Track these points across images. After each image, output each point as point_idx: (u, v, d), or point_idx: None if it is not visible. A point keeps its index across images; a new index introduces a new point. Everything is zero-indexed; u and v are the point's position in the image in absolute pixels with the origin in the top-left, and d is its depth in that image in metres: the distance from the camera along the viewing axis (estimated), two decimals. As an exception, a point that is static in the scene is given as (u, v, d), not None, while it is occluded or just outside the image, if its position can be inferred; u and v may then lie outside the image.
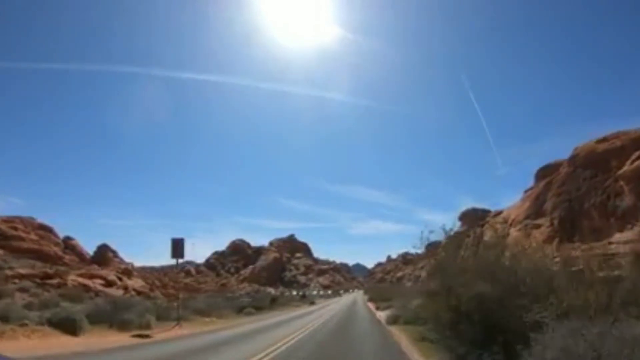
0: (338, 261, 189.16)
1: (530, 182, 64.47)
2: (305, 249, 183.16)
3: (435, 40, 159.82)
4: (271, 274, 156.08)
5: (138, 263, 78.27)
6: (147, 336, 15.28)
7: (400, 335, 15.08)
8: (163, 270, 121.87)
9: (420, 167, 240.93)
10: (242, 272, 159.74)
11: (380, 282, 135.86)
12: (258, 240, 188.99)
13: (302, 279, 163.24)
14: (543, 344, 5.90)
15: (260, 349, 11.68)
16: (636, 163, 41.30)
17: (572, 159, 53.03)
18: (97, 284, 39.74)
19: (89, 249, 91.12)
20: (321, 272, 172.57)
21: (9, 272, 35.98)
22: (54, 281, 35.99)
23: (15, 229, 68.61)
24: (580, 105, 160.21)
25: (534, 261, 8.35)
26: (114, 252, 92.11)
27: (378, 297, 47.84)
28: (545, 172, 60.35)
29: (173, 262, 23.13)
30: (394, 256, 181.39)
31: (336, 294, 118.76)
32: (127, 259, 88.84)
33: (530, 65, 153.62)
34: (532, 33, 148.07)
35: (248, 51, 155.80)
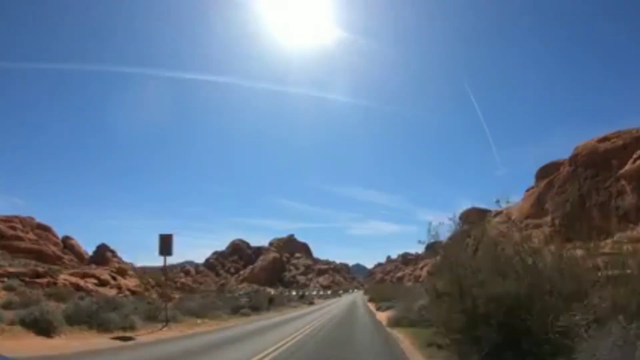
0: (338, 261, 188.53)
1: (530, 182, 63.84)
2: (305, 249, 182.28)
3: (435, 40, 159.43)
4: (271, 274, 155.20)
5: (138, 263, 77.41)
6: (129, 338, 14.20)
7: (404, 340, 13.76)
8: (163, 270, 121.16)
9: (420, 168, 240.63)
10: (242, 272, 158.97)
11: (380, 282, 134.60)
12: (258, 240, 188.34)
13: (302, 279, 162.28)
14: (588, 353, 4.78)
15: (246, 356, 10.59)
16: (638, 162, 40.62)
17: (573, 158, 52.41)
18: (89, 283, 38.74)
19: (91, 249, 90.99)
20: (321, 272, 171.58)
21: (-4, 270, 35.01)
22: (44, 280, 34.94)
23: (14, 228, 68.03)
24: (580, 105, 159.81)
25: (559, 258, 7.21)
26: (112, 251, 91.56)
27: (378, 298, 46.94)
28: (546, 172, 59.73)
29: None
30: (393, 256, 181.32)
31: (335, 294, 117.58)
32: (127, 259, 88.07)
33: (530, 65, 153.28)
34: (532, 33, 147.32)
35: (248, 51, 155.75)
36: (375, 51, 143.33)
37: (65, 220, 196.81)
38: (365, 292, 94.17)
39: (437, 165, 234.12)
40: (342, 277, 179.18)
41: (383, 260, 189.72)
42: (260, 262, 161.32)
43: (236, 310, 30.55)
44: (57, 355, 10.47)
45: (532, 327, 6.16)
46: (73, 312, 15.21)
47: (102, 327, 15.13)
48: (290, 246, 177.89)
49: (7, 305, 17.47)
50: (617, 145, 46.67)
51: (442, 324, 9.10)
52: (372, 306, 42.89)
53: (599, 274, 6.96)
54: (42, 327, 13.14)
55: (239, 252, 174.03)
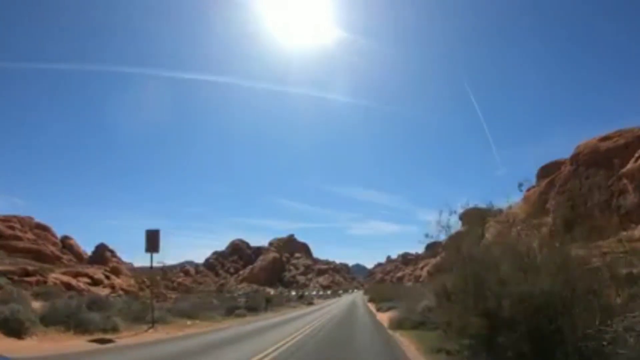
0: (338, 261, 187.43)
1: (531, 182, 63.14)
2: (304, 249, 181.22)
3: (435, 40, 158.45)
4: (270, 274, 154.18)
5: (138, 263, 76.48)
6: (108, 341, 13.08)
7: (409, 345, 12.44)
8: (163, 270, 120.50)
9: (420, 168, 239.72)
10: (242, 272, 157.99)
11: (380, 282, 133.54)
12: (258, 240, 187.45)
13: (302, 279, 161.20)
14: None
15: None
16: (640, 161, 39.82)
17: (574, 157, 51.76)
18: (81, 282, 37.68)
19: (91, 249, 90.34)
20: (321, 272, 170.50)
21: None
22: (33, 279, 33.84)
23: (13, 228, 67.37)
24: (580, 105, 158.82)
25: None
26: (112, 251, 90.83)
27: (378, 298, 45.95)
28: (547, 171, 58.96)
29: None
30: (393, 256, 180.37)
31: (335, 294, 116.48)
32: (127, 259, 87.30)
33: (530, 65, 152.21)
34: (532, 33, 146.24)
35: (248, 51, 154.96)
36: (375, 51, 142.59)
37: (65, 220, 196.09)
38: (365, 292, 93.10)
39: (437, 165, 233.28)
40: (342, 277, 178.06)
41: (383, 260, 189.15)
42: (260, 262, 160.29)
43: (231, 311, 29.42)
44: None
45: (567, 334, 5.02)
46: (49, 312, 14.10)
47: (81, 328, 14.03)
48: (290, 246, 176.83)
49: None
50: (618, 144, 46.34)
51: (452, 327, 7.91)
52: (372, 306, 41.81)
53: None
54: (13, 328, 12.07)
55: (239, 252, 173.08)
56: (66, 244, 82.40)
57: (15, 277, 33.33)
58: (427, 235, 10.98)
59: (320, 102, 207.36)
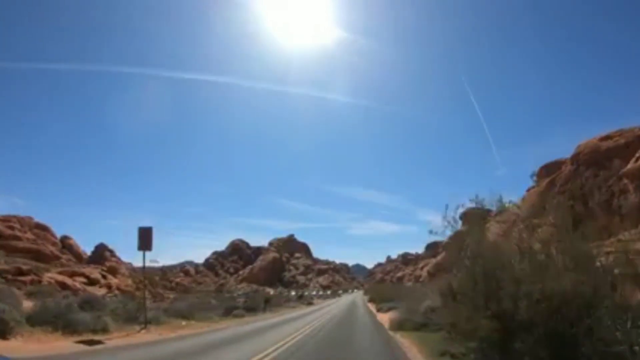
0: (338, 261, 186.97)
1: (531, 182, 62.82)
2: (304, 249, 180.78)
3: (435, 40, 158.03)
4: (270, 274, 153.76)
5: (137, 263, 75.66)
6: (97, 342, 12.52)
7: (411, 347, 11.78)
8: (163, 270, 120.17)
9: (420, 168, 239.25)
10: (241, 272, 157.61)
11: (380, 282, 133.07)
12: (257, 240, 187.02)
13: (302, 279, 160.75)
14: None
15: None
16: (641, 161, 39.48)
17: (575, 157, 51.43)
18: (77, 282, 37.13)
19: (91, 249, 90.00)
20: (321, 272, 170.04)
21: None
22: (27, 278, 33.29)
23: (12, 228, 67.03)
24: (580, 105, 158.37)
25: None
26: (111, 251, 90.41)
27: (378, 298, 45.46)
28: (547, 171, 58.63)
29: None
30: (393, 256, 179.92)
31: (335, 294, 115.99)
32: (127, 259, 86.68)
33: (530, 65, 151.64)
34: (532, 33, 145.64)
35: (248, 51, 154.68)
36: (375, 51, 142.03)
37: (65, 220, 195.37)
38: (365, 292, 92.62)
39: (437, 165, 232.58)
40: (341, 277, 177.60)
41: (383, 260, 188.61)
42: (259, 262, 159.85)
43: (229, 311, 28.92)
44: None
45: (591, 337, 4.49)
46: (37, 312, 13.57)
47: (70, 328, 13.47)
48: (290, 246, 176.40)
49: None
50: (619, 143, 46.02)
51: (458, 329, 7.35)
52: (372, 307, 41.31)
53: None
54: (-3, 328, 11.54)
55: (239, 252, 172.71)
56: (66, 244, 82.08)
57: (9, 276, 32.82)
58: (431, 232, 10.41)
59: (320, 102, 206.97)
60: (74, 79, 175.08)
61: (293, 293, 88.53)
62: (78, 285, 36.15)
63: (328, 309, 40.53)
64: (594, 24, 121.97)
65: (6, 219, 67.34)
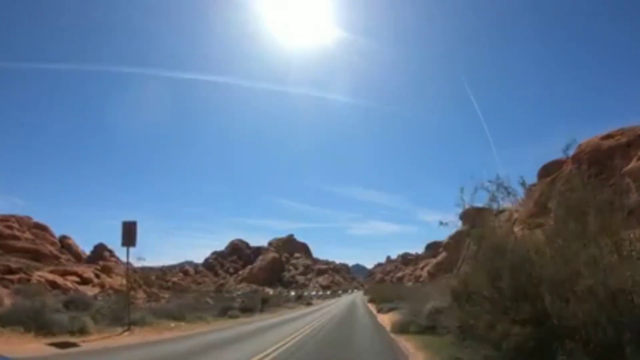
0: (337, 261, 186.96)
1: (531, 181, 63.02)
2: (304, 249, 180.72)
3: (435, 40, 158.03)
4: (270, 274, 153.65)
5: (137, 263, 75.70)
6: (71, 345, 11.99)
7: (416, 353, 10.87)
8: (162, 270, 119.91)
9: (420, 168, 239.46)
10: (241, 272, 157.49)
11: (380, 282, 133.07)
12: (257, 240, 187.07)
13: (301, 279, 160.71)
14: None
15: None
16: (642, 160, 39.59)
17: (576, 156, 51.40)
18: (69, 281, 36.85)
19: (90, 249, 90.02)
20: (320, 273, 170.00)
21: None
22: (15, 277, 32.94)
23: (11, 227, 66.97)
24: (580, 105, 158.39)
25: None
26: (110, 251, 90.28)
27: (379, 298, 45.19)
28: (548, 170, 58.68)
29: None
30: (393, 257, 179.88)
31: (335, 294, 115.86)
32: (126, 259, 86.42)
33: (530, 65, 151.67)
34: (532, 33, 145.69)
35: (248, 51, 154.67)
36: (375, 51, 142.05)
37: (65, 220, 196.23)
38: (365, 293, 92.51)
39: (437, 165, 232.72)
40: (341, 277, 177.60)
41: (383, 260, 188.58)
42: (259, 262, 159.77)
43: (224, 312, 28.53)
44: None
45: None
46: (10, 312, 13.23)
47: (45, 329, 12.97)
48: (290, 246, 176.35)
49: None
50: (621, 142, 45.93)
51: (476, 335, 6.90)
52: (372, 307, 41.18)
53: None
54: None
55: (238, 252, 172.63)
56: (65, 243, 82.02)
57: (-4, 274, 32.56)
58: (441, 223, 10.35)
59: (320, 102, 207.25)
60: (74, 79, 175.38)
61: (292, 293, 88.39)
62: (69, 284, 35.89)
63: (327, 310, 40.19)
64: (594, 24, 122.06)
65: (5, 219, 67.27)
